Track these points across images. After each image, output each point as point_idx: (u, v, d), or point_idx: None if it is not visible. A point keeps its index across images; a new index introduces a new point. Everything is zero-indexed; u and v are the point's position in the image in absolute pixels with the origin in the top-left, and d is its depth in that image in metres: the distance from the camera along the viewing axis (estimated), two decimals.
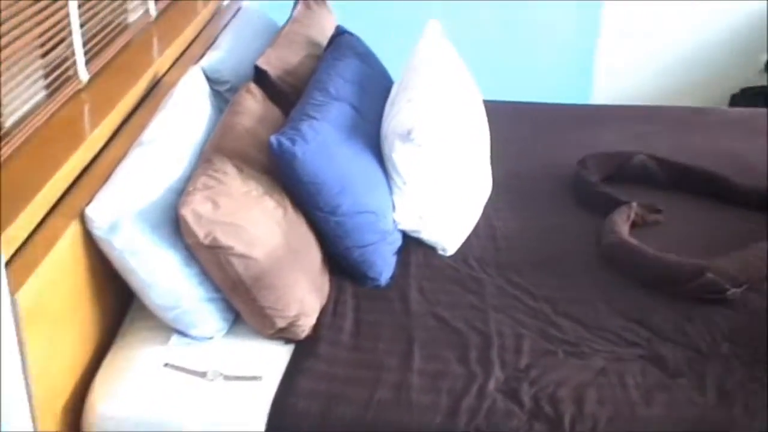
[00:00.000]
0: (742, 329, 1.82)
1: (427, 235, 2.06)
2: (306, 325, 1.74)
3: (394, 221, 2.03)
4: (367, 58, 2.37)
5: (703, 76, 4.14)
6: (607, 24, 3.82)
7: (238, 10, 2.76)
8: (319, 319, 1.78)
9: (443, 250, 2.06)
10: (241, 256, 1.63)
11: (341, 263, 1.94)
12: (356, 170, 1.93)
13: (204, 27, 2.58)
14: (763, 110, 3.11)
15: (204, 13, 2.62)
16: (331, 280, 1.91)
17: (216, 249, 1.61)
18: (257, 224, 1.69)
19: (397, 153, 1.98)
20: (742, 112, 3.05)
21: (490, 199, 2.25)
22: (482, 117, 2.36)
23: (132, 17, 2.34)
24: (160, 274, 1.64)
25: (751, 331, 1.82)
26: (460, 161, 2.11)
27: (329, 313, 1.82)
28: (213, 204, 1.62)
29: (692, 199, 2.35)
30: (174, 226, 1.64)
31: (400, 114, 2.02)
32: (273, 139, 1.77)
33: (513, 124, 2.75)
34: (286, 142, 1.77)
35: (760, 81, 4.14)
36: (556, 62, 3.82)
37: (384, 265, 1.95)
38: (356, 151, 1.96)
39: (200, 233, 1.58)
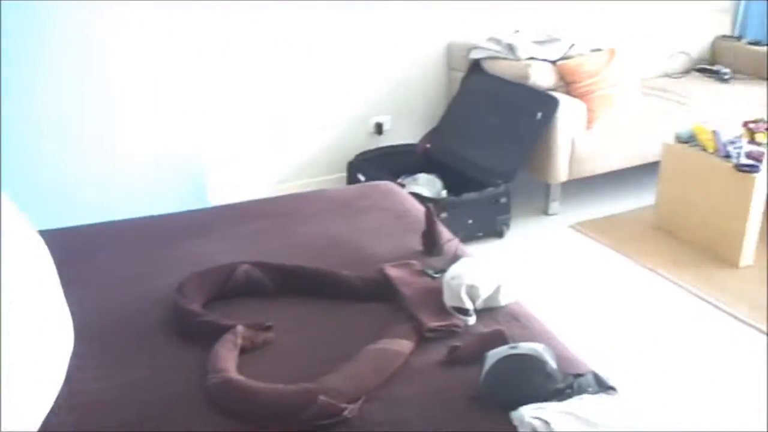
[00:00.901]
0: None
1: None
2: None
3: None
4: None
5: (321, 150, 4.14)
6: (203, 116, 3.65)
7: None
8: None
9: None
10: None
11: None
12: None
13: None
14: (368, 184, 3.12)
15: None
16: None
17: None
18: None
19: None
20: (347, 191, 3.00)
21: (73, 357, 1.91)
22: (43, 260, 2.01)
23: None
24: None
25: None
26: (12, 329, 1.74)
27: None
28: None
29: (305, 303, 2.19)
30: None
31: None
32: None
33: (105, 251, 2.45)
34: None
35: (372, 144, 4.23)
36: (165, 169, 3.54)
37: None
38: None
39: None
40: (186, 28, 3.37)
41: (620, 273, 3.49)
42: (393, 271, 2.25)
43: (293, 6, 3.86)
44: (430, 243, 2.42)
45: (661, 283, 3.38)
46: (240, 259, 2.33)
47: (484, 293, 2.09)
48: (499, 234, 3.76)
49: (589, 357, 2.03)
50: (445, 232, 2.51)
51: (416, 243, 2.48)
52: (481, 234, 3.70)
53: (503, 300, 2.13)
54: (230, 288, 2.20)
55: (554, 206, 4.03)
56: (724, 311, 3.17)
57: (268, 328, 2.03)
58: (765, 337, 3.00)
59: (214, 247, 2.50)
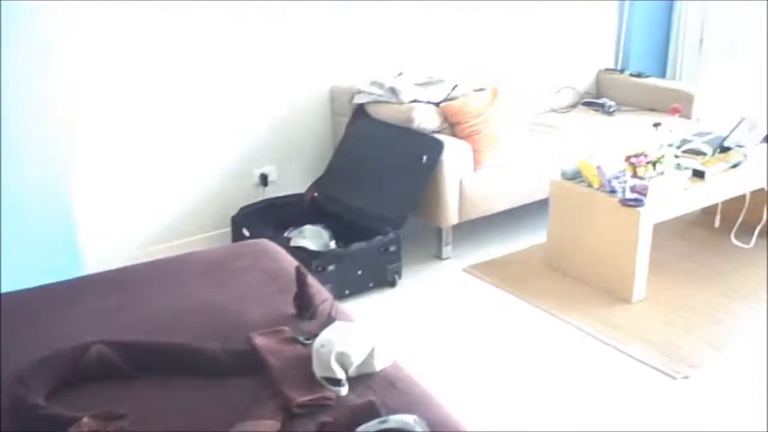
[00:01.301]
0: None
1: None
2: None
3: None
4: None
5: (203, 205, 3.96)
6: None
7: None
8: None
9: None
10: None
11: None
12: None
13: None
14: (243, 243, 2.98)
15: None
16: None
17: None
18: None
19: None
20: (219, 252, 2.83)
21: None
22: None
23: None
24: None
25: None
26: None
27: None
28: None
29: (165, 383, 2.00)
30: None
31: None
32: None
33: None
34: None
35: (257, 196, 4.08)
36: (28, 234, 3.27)
37: None
38: None
39: None
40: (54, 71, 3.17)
41: (514, 316, 3.41)
42: (261, 341, 2.10)
43: (169, 49, 3.67)
44: (303, 305, 2.27)
45: (556, 325, 3.32)
46: (102, 335, 2.15)
47: (356, 359, 1.96)
48: (391, 283, 3.64)
49: (475, 414, 1.92)
50: (320, 293, 2.37)
51: (290, 306, 2.33)
52: (372, 284, 3.57)
53: (378, 364, 2.00)
54: (81, 372, 2.01)
55: (447, 250, 3.94)
56: (619, 350, 3.11)
57: (120, 417, 1.84)
58: (661, 374, 2.95)
59: (75, 324, 2.30)
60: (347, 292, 3.46)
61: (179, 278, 2.58)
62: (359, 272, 3.50)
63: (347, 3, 4.17)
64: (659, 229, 3.49)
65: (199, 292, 2.47)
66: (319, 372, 1.94)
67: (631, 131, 4.37)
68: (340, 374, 1.92)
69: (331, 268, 3.38)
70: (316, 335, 2.07)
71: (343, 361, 1.94)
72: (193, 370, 2.03)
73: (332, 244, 3.63)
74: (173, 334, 2.19)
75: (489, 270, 3.79)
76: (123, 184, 3.69)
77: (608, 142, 4.20)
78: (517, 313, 3.43)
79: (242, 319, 2.29)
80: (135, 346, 2.07)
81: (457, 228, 3.93)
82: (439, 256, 3.94)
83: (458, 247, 3.98)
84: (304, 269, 2.33)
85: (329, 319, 2.19)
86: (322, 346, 1.97)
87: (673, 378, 2.93)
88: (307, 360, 2.00)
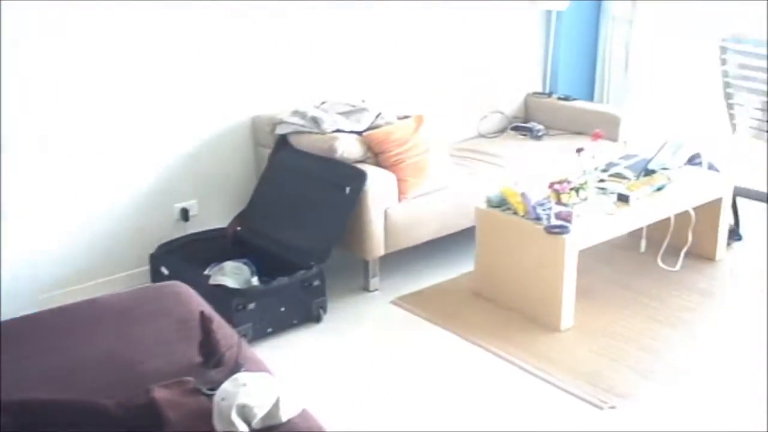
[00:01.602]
0: None
1: None
2: None
3: None
4: None
5: (119, 243, 3.80)
6: None
7: None
8: None
9: None
10: None
11: None
12: None
13: None
14: (152, 286, 2.86)
15: None
16: None
17: None
18: None
19: None
20: (124, 297, 2.70)
21: None
22: None
23: None
24: None
25: None
26: None
27: None
28: None
29: None
30: None
31: None
32: None
33: None
34: None
35: (179, 232, 3.95)
36: None
37: None
38: None
39: None
40: None
41: (442, 350, 3.32)
42: (161, 393, 1.99)
43: (79, 74, 3.51)
44: (208, 353, 2.17)
45: (485, 357, 3.24)
46: None
47: (260, 411, 1.86)
48: (317, 319, 3.53)
49: None
50: (226, 338, 2.27)
51: (197, 353, 2.22)
52: (296, 321, 3.46)
53: (284, 415, 1.90)
54: None
55: (374, 282, 3.85)
56: (547, 382, 3.05)
57: None
58: (588, 405, 2.90)
59: None
60: (270, 330, 3.36)
61: (83, 327, 2.46)
62: (282, 309, 3.40)
63: (267, 30, 4.09)
64: (585, 254, 3.46)
65: (102, 341, 2.36)
66: (219, 427, 1.84)
67: (558, 156, 4.36)
68: (242, 428, 1.82)
69: (251, 306, 3.27)
70: (221, 384, 1.96)
71: (245, 414, 1.84)
72: (86, 428, 1.91)
73: (254, 281, 3.52)
74: (71, 389, 2.09)
75: (417, 301, 3.71)
76: (28, 220, 3.49)
77: (535, 167, 4.18)
78: (445, 346, 3.35)
79: (145, 369, 2.18)
80: (23, 404, 1.94)
81: (384, 258, 3.85)
82: (366, 289, 3.85)
83: (386, 279, 3.90)
84: (209, 314, 2.24)
85: (236, 367, 2.09)
86: (223, 399, 1.87)
87: (600, 408, 2.88)
88: (208, 414, 1.89)
